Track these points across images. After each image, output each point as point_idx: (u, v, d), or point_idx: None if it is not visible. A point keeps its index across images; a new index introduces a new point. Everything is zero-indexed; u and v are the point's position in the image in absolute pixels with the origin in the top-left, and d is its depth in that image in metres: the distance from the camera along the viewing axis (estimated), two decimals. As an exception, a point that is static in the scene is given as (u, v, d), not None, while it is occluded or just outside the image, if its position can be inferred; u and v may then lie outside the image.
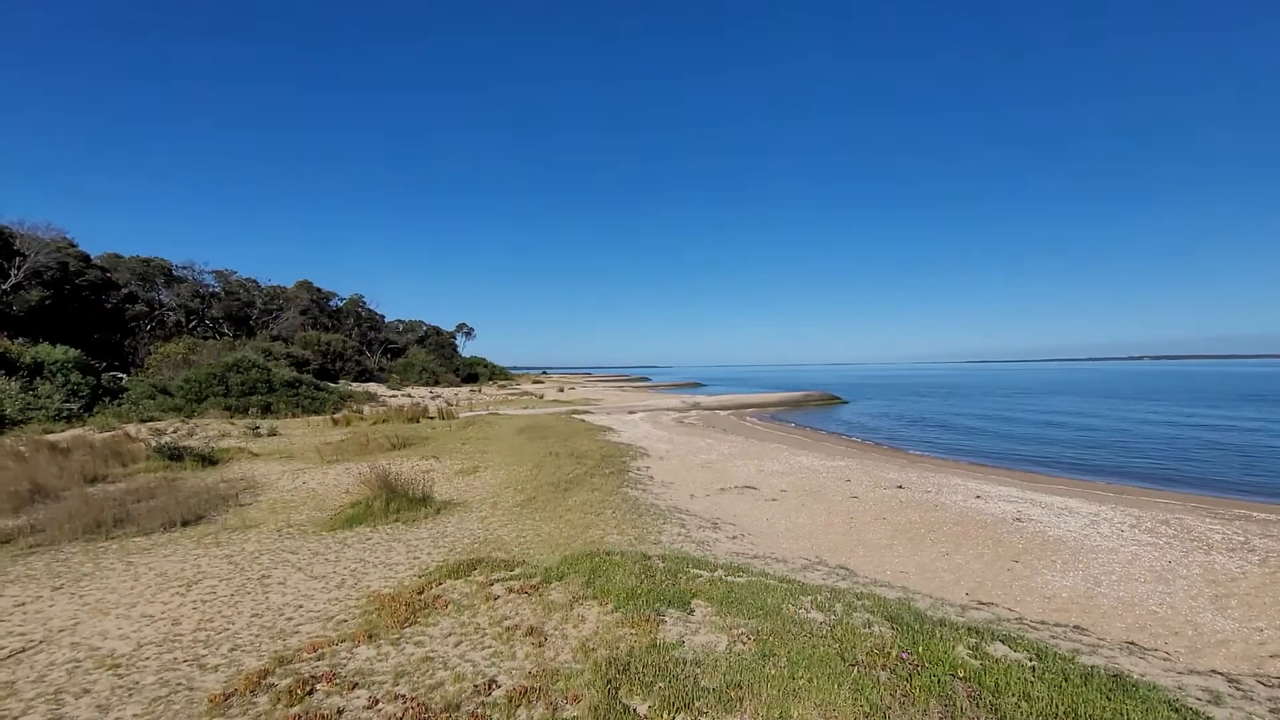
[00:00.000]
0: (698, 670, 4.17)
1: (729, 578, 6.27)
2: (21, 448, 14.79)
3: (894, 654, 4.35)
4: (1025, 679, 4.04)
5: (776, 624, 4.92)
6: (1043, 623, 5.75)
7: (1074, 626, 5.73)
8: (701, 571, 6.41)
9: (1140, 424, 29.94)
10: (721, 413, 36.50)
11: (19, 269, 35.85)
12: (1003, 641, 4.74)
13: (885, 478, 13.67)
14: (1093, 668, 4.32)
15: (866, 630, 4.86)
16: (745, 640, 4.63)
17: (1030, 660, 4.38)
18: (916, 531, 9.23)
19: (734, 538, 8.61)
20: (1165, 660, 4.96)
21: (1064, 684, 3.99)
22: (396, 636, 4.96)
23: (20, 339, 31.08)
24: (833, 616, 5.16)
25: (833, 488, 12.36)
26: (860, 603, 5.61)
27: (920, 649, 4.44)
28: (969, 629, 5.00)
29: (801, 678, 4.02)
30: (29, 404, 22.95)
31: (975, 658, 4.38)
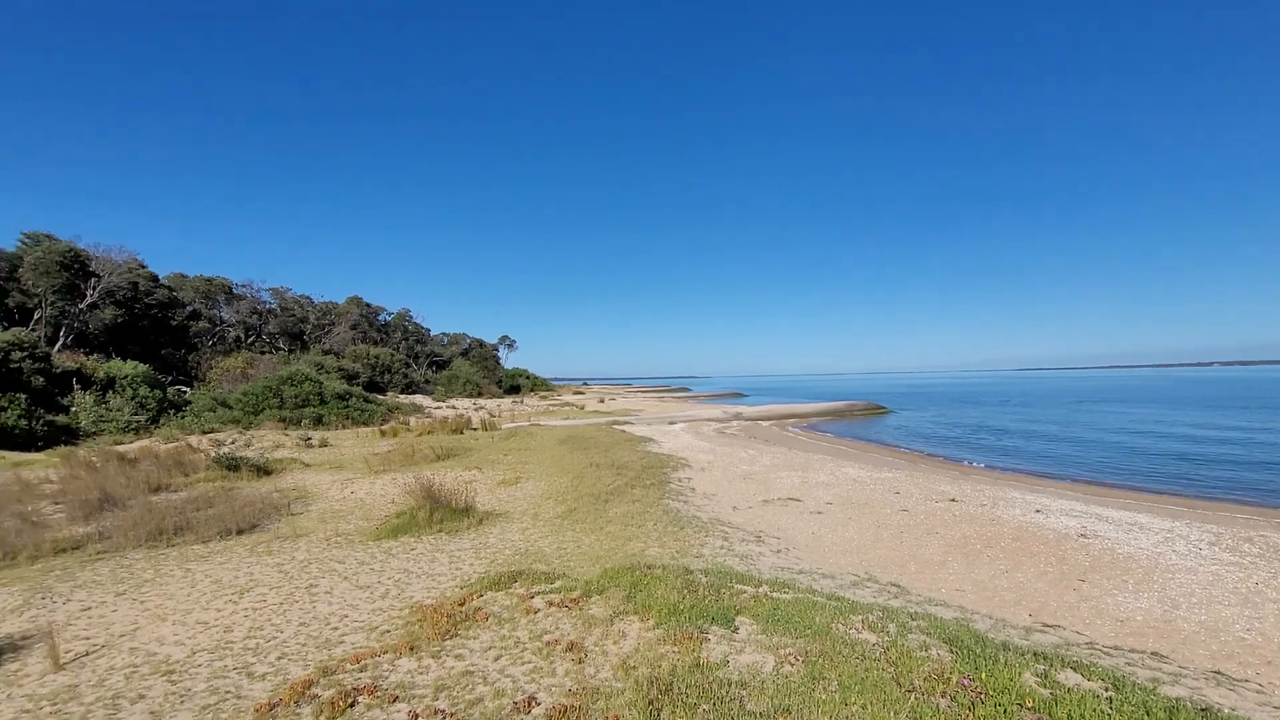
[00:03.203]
0: (743, 692, 4.00)
1: (774, 594, 6.06)
2: (94, 458, 15.61)
3: (954, 680, 4.09)
4: (1102, 711, 3.73)
5: (826, 644, 4.70)
6: (1116, 648, 5.35)
7: (1151, 653, 5.31)
8: (745, 587, 6.21)
9: (1213, 433, 28.08)
10: (763, 423, 35.94)
11: (94, 289, 38.14)
12: (1074, 668, 4.40)
13: (937, 490, 13.14)
14: (1177, 700, 3.96)
15: (923, 653, 4.59)
16: (793, 661, 4.43)
17: (1106, 690, 4.05)
18: (972, 547, 8.79)
19: (778, 551, 8.36)
20: (1259, 693, 4.53)
21: (1146, 718, 3.67)
22: (437, 649, 4.94)
23: (95, 355, 33.03)
24: (886, 637, 4.91)
25: (881, 500, 11.93)
26: (915, 623, 5.33)
27: (983, 675, 4.16)
28: (1035, 654, 4.68)
29: (854, 703, 3.81)
30: (102, 416, 24.31)
31: (1044, 686, 4.07)
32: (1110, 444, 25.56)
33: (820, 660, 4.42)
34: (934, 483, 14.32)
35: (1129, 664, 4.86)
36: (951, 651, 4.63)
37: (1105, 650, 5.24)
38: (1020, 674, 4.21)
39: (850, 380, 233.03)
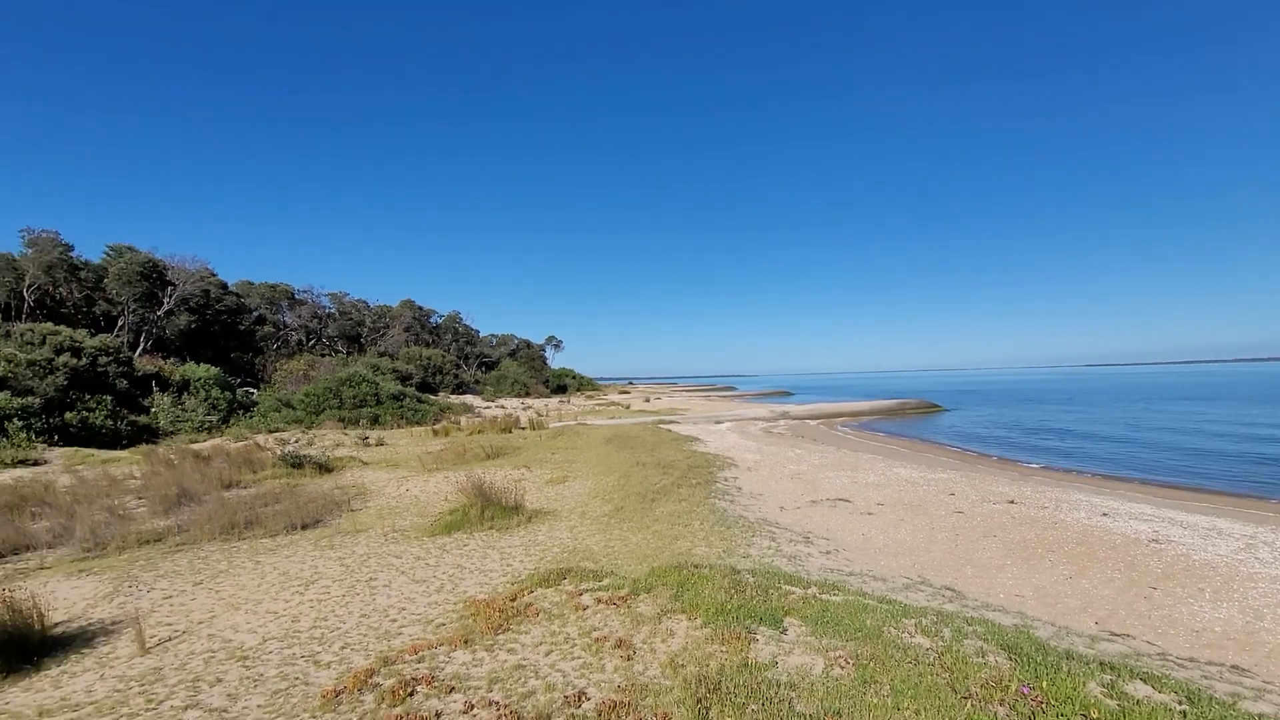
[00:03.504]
0: (792, 694, 3.98)
1: (824, 595, 5.98)
2: (171, 456, 16.64)
3: (1013, 688, 3.97)
4: (1174, 725, 3.55)
5: (877, 648, 4.62)
6: (1191, 660, 5.07)
7: (1231, 666, 5.00)
8: (794, 588, 6.16)
9: (1305, 433, 26.06)
10: (811, 422, 35.35)
11: (170, 297, 40.61)
12: (1143, 680, 4.20)
13: (994, 491, 12.67)
14: (1260, 717, 3.74)
15: (979, 659, 4.46)
16: (843, 664, 4.38)
17: (1179, 704, 3.85)
18: (1033, 551, 8.45)
19: (827, 553, 8.23)
20: (1355, 712, 4.21)
21: (1224, 734, 3.47)
22: (490, 642, 5.09)
23: (171, 359, 35.17)
24: (940, 642, 4.79)
25: (935, 501, 11.59)
26: (971, 628, 5.18)
27: (1044, 684, 4.02)
28: (1101, 663, 4.48)
29: (907, 708, 3.74)
30: (178, 417, 25.86)
31: (1111, 697, 3.90)
32: (1185, 444, 24.06)
33: (871, 663, 4.35)
34: (991, 484, 13.81)
35: (1205, 677, 4.61)
36: (1010, 658, 4.48)
37: (1179, 662, 4.97)
38: (1085, 684, 4.05)
39: (904, 378, 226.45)
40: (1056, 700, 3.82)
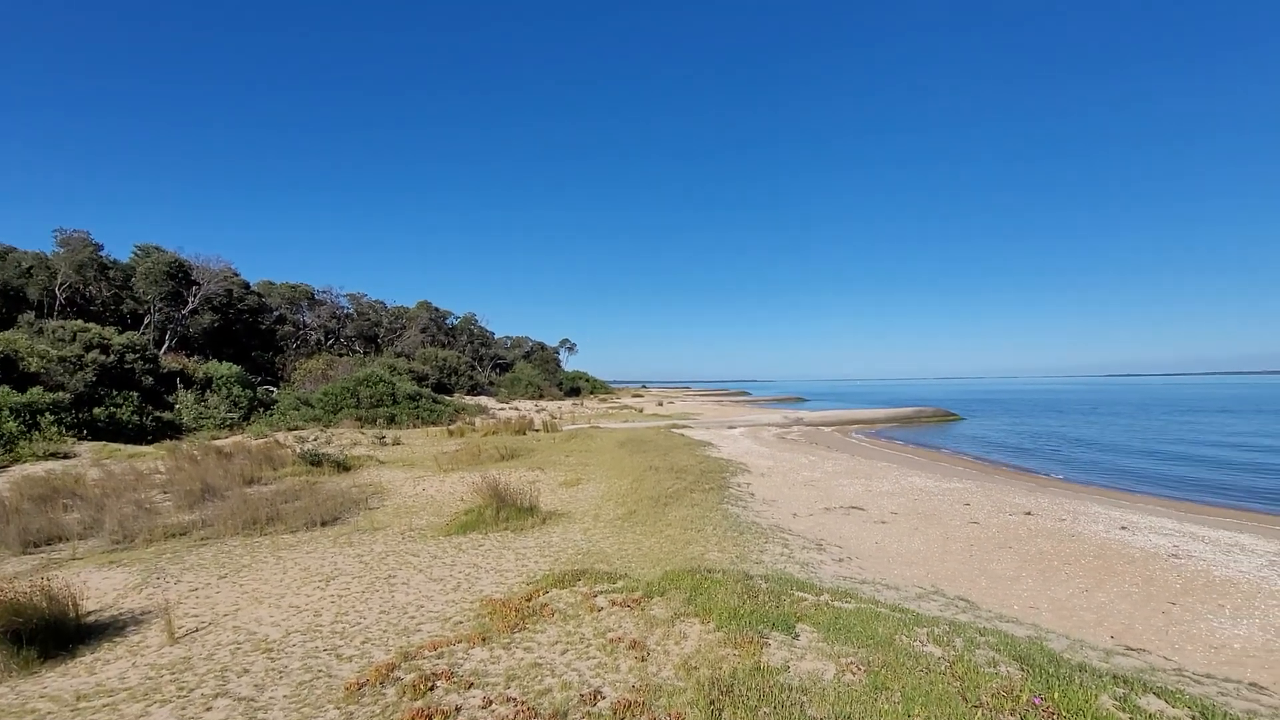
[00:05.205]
0: (804, 698, 4.04)
1: (836, 603, 6.02)
2: (195, 452, 17.02)
3: (1024, 698, 3.99)
4: (1187, 739, 3.56)
5: (889, 655, 4.66)
6: (1208, 676, 5.04)
7: (1249, 684, 4.97)
8: (806, 594, 6.20)
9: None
10: (825, 429, 35.19)
11: (195, 296, 41.47)
12: (1157, 694, 4.20)
13: (1011, 502, 12.57)
14: (1275, 734, 3.73)
15: (991, 669, 4.49)
16: (855, 670, 4.43)
17: (1192, 719, 3.85)
18: (1049, 563, 8.40)
19: (840, 560, 8.25)
20: (1375, 733, 4.18)
21: (1237, 749, 3.48)
22: (507, 641, 5.20)
23: (195, 357, 35.88)
24: (952, 651, 4.81)
25: (949, 511, 11.53)
26: (983, 638, 5.19)
27: (1056, 695, 4.04)
28: (1115, 677, 4.49)
29: (918, 715, 3.79)
30: (201, 413, 26.40)
31: (1123, 710, 3.91)
32: (1208, 458, 23.63)
33: (883, 671, 4.40)
34: (1007, 494, 13.70)
35: (1222, 694, 4.58)
36: (1023, 669, 4.50)
37: (1195, 678, 4.95)
38: (1097, 696, 4.06)
39: (921, 386, 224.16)
40: (1068, 712, 3.84)
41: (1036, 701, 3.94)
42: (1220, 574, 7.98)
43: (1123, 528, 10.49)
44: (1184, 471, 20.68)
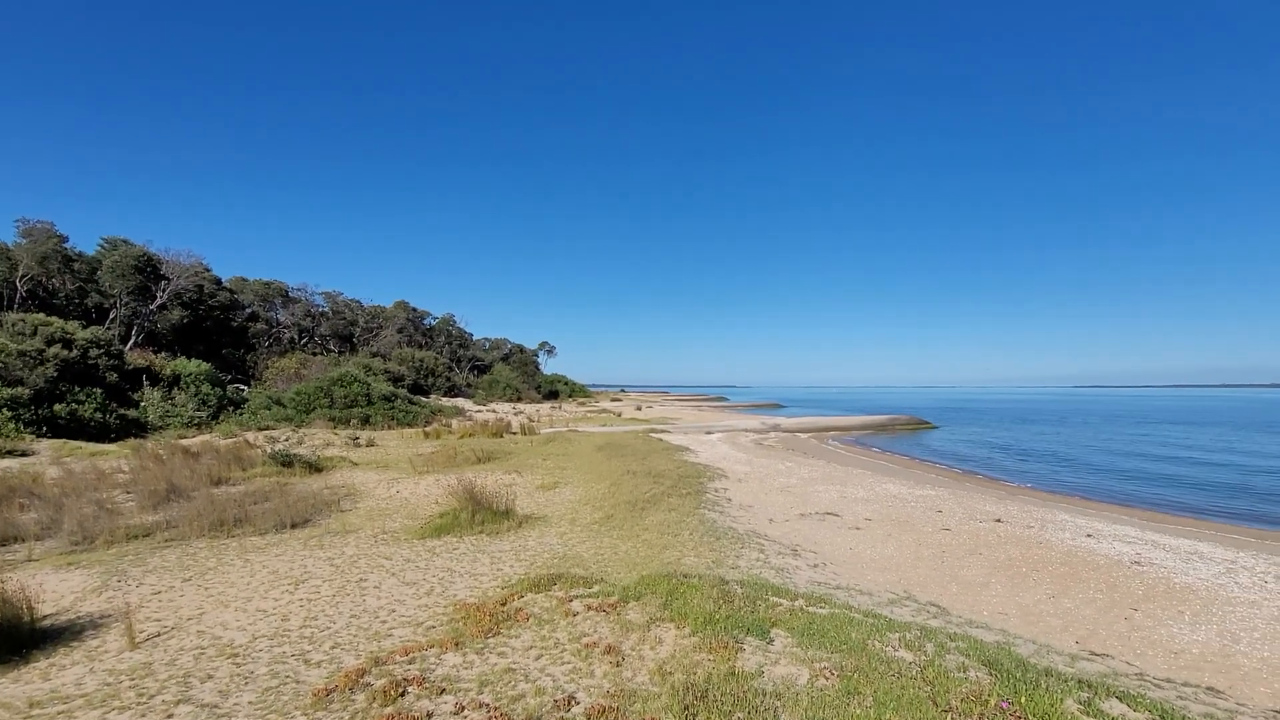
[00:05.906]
0: (778, 703, 4.06)
1: (810, 608, 6.07)
2: (160, 451, 16.57)
3: (992, 702, 4.06)
4: (1147, 742, 3.65)
5: (861, 660, 4.71)
6: (1168, 680, 5.18)
7: (1207, 688, 5.12)
8: (781, 600, 6.24)
9: (1288, 460, 26.42)
10: (802, 435, 35.50)
11: (164, 291, 40.43)
12: (1120, 698, 4.31)
13: (981, 509, 12.81)
14: (1230, 736, 3.84)
15: (961, 674, 4.56)
16: (828, 675, 4.46)
17: (1153, 722, 3.96)
18: (1017, 570, 8.57)
19: (815, 566, 8.32)
20: (1323, 735, 4.33)
21: (1195, 752, 3.57)
22: (481, 646, 5.14)
23: (163, 354, 34.97)
24: (923, 656, 4.88)
25: (922, 518, 11.71)
26: (954, 644, 5.28)
27: (1022, 699, 4.11)
28: (1079, 681, 4.59)
29: (889, 719, 3.83)
30: (168, 412, 25.72)
31: (1087, 714, 4.00)
32: (1170, 469, 24.35)
33: (855, 675, 4.44)
34: (978, 502, 13.95)
35: (1181, 698, 4.72)
36: (991, 674, 4.58)
37: (1156, 682, 5.08)
38: (1062, 700, 4.15)
39: (896, 393, 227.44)
40: (1034, 716, 3.92)
41: (1004, 706, 4.01)
42: (1180, 581, 8.22)
43: (1088, 535, 10.75)
44: (1145, 481, 21.28)
